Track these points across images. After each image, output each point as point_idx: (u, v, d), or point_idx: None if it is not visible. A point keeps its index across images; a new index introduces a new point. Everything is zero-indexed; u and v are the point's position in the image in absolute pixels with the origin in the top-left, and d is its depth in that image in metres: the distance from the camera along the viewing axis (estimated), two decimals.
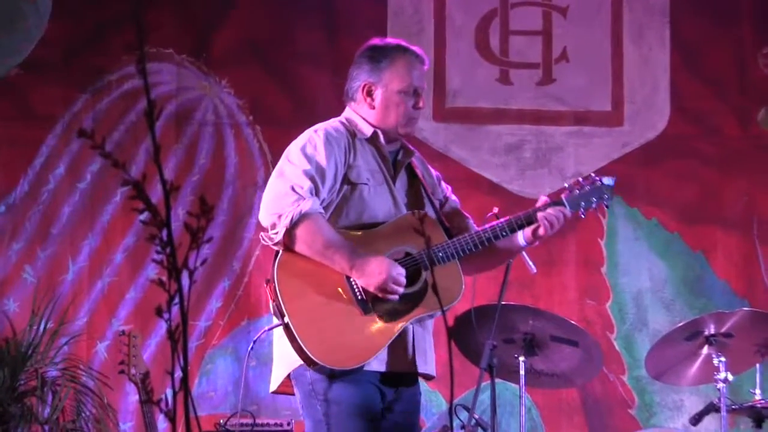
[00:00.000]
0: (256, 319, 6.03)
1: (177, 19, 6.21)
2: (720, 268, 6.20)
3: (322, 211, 3.57)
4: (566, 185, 3.76)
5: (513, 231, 3.68)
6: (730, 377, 4.58)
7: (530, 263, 3.93)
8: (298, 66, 6.24)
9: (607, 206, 3.78)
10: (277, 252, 3.60)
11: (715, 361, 4.60)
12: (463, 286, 3.62)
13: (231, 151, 6.20)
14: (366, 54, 3.79)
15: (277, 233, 3.52)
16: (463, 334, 4.48)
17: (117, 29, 6.11)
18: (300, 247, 3.53)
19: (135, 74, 6.08)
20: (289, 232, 3.51)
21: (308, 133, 3.69)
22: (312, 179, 3.56)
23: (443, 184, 3.93)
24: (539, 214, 3.68)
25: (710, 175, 6.25)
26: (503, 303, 4.03)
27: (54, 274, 6.04)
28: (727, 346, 4.63)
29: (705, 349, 4.69)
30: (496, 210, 3.81)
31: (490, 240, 3.65)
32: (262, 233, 3.59)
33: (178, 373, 1.52)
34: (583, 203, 3.74)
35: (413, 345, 3.65)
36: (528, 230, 3.71)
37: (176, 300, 1.49)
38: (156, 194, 1.61)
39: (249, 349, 3.86)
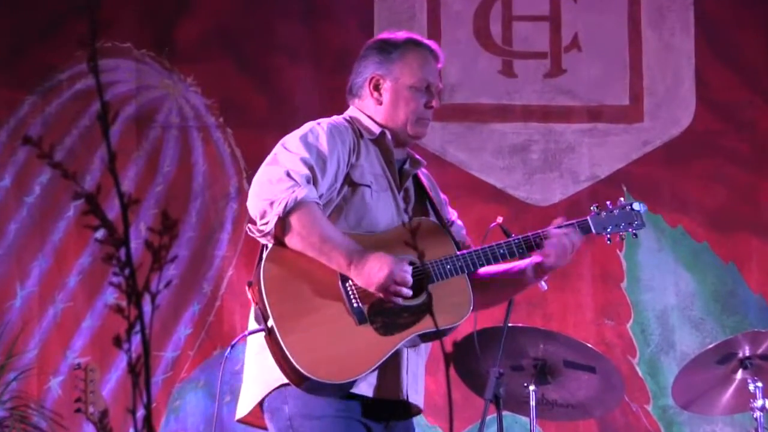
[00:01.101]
0: None
1: (136, 9, 6.21)
2: (755, 281, 6.21)
3: (319, 201, 3.57)
4: (592, 207, 3.80)
5: (530, 249, 3.70)
6: None
7: None
8: (274, 59, 6.25)
9: (635, 235, 3.82)
10: (262, 249, 3.60)
11: (751, 387, 4.61)
12: (472, 305, 3.63)
13: (199, 157, 6.20)
14: (375, 46, 3.83)
15: (267, 223, 3.50)
16: (465, 361, 4.48)
17: (68, 22, 6.11)
18: (292, 239, 3.51)
19: (89, 72, 6.08)
20: (282, 222, 3.49)
21: (310, 124, 3.70)
22: (311, 169, 3.56)
23: (449, 208, 3.95)
24: (551, 230, 3.69)
25: (742, 176, 6.27)
26: (510, 325, 4.04)
27: (0, 300, 6.04)
28: (764, 369, 4.64)
29: (739, 374, 4.70)
30: (500, 220, 3.82)
31: (505, 256, 3.68)
32: (248, 225, 3.58)
33: (141, 412, 1.53)
34: (610, 227, 3.78)
35: (407, 371, 3.66)
36: (536, 259, 3.73)
37: (137, 328, 1.50)
38: (113, 208, 1.62)
39: (225, 354, 3.82)
